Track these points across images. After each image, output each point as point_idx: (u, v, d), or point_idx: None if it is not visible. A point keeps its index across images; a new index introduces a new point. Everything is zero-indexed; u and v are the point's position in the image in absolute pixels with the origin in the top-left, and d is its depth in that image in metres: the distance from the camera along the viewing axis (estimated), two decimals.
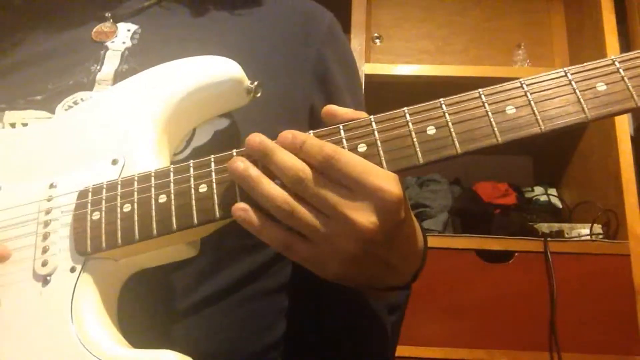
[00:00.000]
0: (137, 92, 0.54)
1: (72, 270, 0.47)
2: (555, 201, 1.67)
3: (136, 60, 0.61)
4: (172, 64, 0.55)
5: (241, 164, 0.43)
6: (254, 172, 0.43)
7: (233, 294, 0.57)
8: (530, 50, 1.79)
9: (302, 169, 0.42)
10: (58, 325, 0.45)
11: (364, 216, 0.41)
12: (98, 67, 0.61)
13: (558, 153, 1.77)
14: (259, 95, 0.54)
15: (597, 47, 1.56)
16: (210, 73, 0.53)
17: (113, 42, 0.63)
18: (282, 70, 0.64)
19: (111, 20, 0.65)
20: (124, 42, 0.63)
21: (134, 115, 0.53)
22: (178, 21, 0.66)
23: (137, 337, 0.46)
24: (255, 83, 0.54)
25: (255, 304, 0.58)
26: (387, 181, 0.41)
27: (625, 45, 1.62)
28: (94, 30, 0.64)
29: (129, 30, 0.64)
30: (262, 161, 0.44)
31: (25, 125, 0.58)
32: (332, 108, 0.47)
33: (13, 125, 0.59)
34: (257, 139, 0.43)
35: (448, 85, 1.59)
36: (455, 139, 0.43)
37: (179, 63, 0.55)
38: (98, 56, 0.62)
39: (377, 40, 1.83)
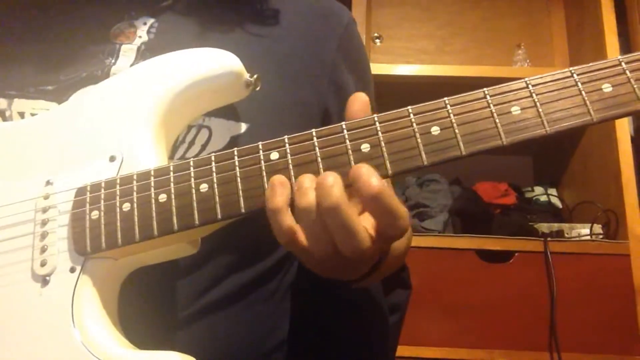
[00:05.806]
0: (134, 85, 0.53)
1: (72, 270, 0.46)
2: (555, 201, 1.67)
3: (152, 55, 0.59)
4: (170, 56, 0.54)
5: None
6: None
7: (240, 299, 0.56)
8: (530, 50, 1.78)
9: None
10: (59, 326, 0.44)
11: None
12: (113, 61, 0.59)
13: (558, 153, 1.77)
14: (257, 89, 0.53)
15: (597, 47, 1.55)
16: (208, 66, 0.52)
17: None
18: (299, 74, 0.63)
19: (130, 20, 0.62)
20: (140, 37, 0.61)
21: (131, 110, 0.52)
22: (196, 17, 0.64)
23: (141, 342, 0.45)
24: (255, 76, 0.53)
25: (260, 307, 0.58)
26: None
27: (625, 45, 1.62)
28: (113, 30, 0.62)
29: (145, 24, 0.62)
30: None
31: (34, 115, 0.57)
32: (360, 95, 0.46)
33: (22, 114, 0.57)
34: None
35: (448, 85, 1.58)
36: (460, 140, 0.42)
37: (176, 55, 0.53)
38: (113, 49, 0.60)
39: (377, 40, 1.83)
